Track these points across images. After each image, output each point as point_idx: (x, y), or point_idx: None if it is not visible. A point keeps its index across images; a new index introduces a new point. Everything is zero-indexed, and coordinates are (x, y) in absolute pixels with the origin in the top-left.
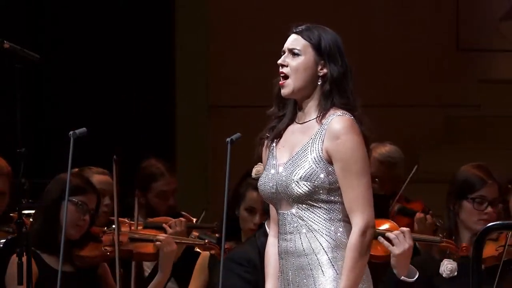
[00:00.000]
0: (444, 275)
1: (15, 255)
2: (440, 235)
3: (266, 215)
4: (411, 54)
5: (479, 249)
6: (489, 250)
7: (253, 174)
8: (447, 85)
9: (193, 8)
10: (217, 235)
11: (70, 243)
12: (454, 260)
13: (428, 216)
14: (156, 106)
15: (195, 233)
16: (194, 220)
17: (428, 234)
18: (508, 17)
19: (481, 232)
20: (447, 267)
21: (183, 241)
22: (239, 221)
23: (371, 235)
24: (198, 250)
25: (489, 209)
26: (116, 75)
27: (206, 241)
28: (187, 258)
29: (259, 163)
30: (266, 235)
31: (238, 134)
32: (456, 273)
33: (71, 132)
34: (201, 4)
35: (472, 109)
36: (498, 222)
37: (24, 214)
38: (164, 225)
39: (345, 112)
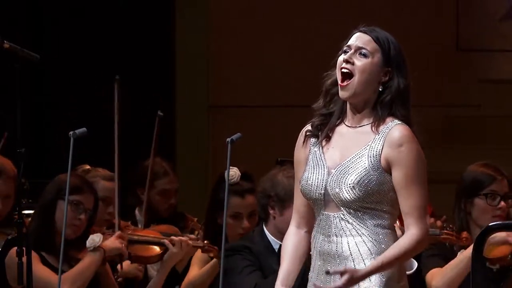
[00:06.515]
0: None
1: (12, 250)
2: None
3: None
4: (411, 54)
5: (480, 248)
6: (505, 249)
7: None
8: (447, 85)
9: (193, 8)
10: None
11: (67, 243)
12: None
13: (438, 222)
14: (156, 106)
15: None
16: (195, 219)
17: None
18: (508, 17)
19: (481, 232)
20: None
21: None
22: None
23: (421, 248)
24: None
25: (502, 203)
26: (116, 75)
27: (206, 242)
28: None
29: (231, 167)
30: (262, 235)
31: (238, 134)
32: None
33: (71, 132)
34: (201, 4)
35: (472, 109)
36: (498, 222)
37: (24, 214)
38: (166, 242)
39: (403, 123)
